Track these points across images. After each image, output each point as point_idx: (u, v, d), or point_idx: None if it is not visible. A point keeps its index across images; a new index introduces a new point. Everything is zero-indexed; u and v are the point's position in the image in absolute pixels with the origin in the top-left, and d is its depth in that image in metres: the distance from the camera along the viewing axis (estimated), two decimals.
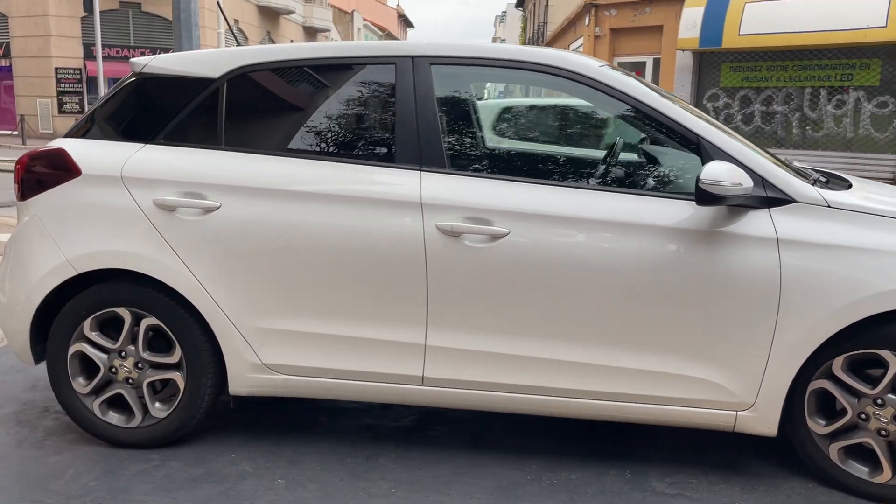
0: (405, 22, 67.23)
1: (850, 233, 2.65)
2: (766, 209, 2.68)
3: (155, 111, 3.08)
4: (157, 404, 3.08)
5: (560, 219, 2.74)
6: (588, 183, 3.07)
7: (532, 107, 5.88)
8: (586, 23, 19.35)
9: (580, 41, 20.31)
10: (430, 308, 2.83)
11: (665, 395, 2.78)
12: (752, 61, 16.65)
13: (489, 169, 3.09)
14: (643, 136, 3.71)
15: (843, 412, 2.76)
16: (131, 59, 3.23)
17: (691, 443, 3.22)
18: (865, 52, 15.09)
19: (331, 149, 2.98)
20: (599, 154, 3.53)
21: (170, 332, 2.99)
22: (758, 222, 2.67)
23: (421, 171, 2.86)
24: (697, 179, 2.57)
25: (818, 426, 2.81)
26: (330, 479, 2.87)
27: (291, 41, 35.46)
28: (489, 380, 2.86)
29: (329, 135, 3.00)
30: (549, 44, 26.43)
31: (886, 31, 14.37)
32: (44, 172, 3.04)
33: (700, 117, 2.87)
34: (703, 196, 2.57)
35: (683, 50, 16.64)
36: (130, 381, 3.06)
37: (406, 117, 2.90)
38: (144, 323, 3.00)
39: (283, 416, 3.46)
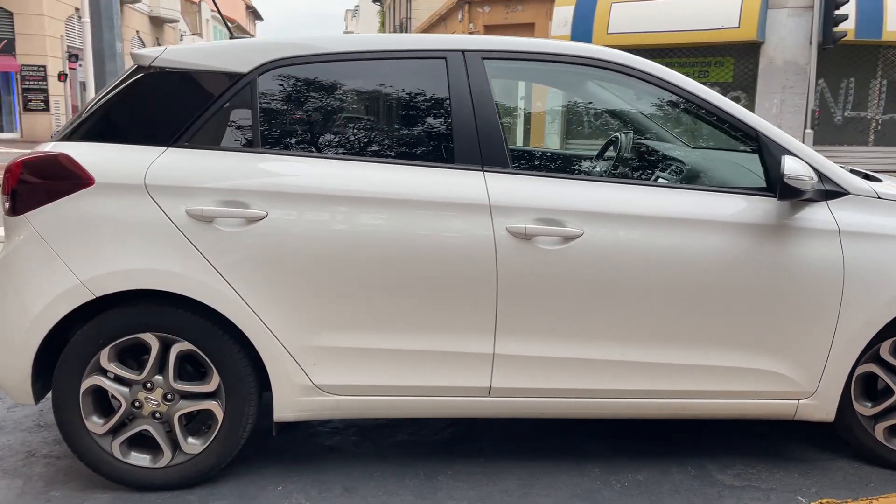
0: (254, 14, 64.98)
1: None
2: (825, 202, 2.77)
3: (173, 110, 2.72)
4: (190, 439, 2.74)
5: (633, 218, 2.70)
6: (655, 180, 3.03)
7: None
8: (459, 19, 19.55)
9: None
10: (500, 315, 2.70)
11: (732, 389, 2.81)
12: None
13: (553, 168, 2.98)
14: (636, 131, 3.75)
15: (889, 393, 2.91)
16: (133, 51, 2.85)
17: (729, 432, 3.28)
18: (720, 51, 16.28)
19: (382, 149, 2.78)
20: (663, 152, 3.51)
21: (206, 358, 2.67)
22: (819, 215, 2.75)
23: (484, 171, 2.71)
24: (781, 175, 2.60)
25: (864, 408, 2.94)
26: None
27: (137, 32, 33.38)
28: (559, 386, 2.76)
29: (379, 134, 2.80)
30: None
31: (739, 31, 15.59)
32: (45, 182, 2.62)
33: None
34: (787, 191, 2.61)
35: None
36: (158, 415, 2.71)
37: (463, 115, 2.74)
38: (175, 349, 2.66)
39: (312, 438, 3.20)
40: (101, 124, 2.74)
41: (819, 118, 14.84)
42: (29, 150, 2.77)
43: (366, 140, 2.80)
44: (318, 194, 2.64)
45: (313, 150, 2.76)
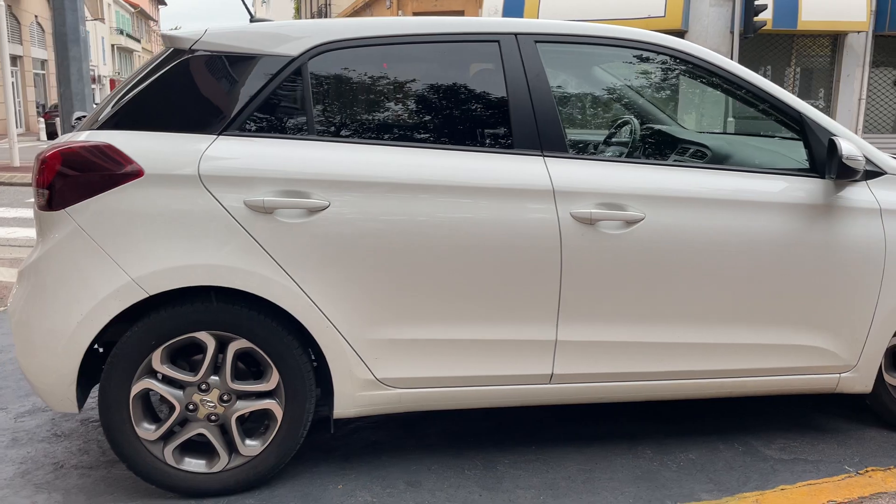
0: None
1: None
2: (865, 181, 2.87)
3: (221, 96, 2.57)
4: (248, 440, 2.61)
5: (692, 200, 2.73)
6: (711, 163, 3.05)
7: None
8: (387, 5, 19.34)
9: None
10: (563, 301, 2.68)
11: (781, 366, 2.89)
12: None
13: (609, 152, 2.98)
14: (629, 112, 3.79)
15: None
16: (167, 34, 2.67)
17: (761, 408, 3.38)
18: None
19: (439, 135, 2.70)
20: (720, 135, 3.54)
21: (265, 355, 2.55)
22: (861, 194, 2.85)
23: (544, 156, 2.68)
24: (840, 157, 2.68)
25: (894, 379, 3.08)
26: (469, 497, 2.63)
27: (36, 17, 31.58)
28: (620, 370, 2.78)
29: (436, 120, 2.72)
30: None
31: (664, 21, 16.05)
32: (87, 175, 2.43)
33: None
34: (844, 171, 2.69)
35: None
36: (213, 417, 2.57)
37: (520, 100, 2.70)
38: (233, 347, 2.53)
39: (356, 434, 3.10)
40: (141, 112, 2.56)
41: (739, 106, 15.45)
42: (62, 141, 2.56)
43: (421, 125, 2.72)
44: (381, 182, 2.55)
45: (369, 136, 2.67)
